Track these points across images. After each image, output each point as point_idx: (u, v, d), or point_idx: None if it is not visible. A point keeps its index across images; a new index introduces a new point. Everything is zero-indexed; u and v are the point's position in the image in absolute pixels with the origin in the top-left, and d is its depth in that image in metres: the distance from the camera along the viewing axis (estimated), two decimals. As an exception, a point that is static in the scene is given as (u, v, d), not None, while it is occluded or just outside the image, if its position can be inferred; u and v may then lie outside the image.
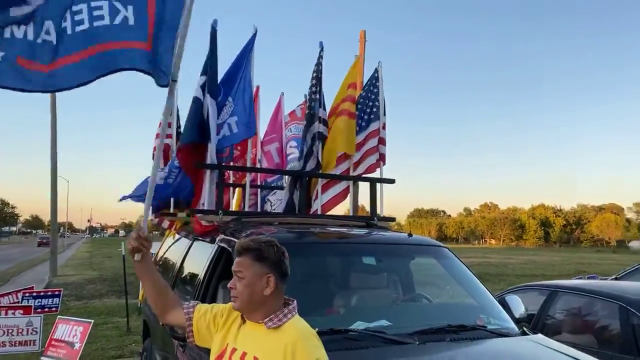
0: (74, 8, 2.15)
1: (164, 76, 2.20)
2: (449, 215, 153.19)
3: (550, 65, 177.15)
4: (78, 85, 2.15)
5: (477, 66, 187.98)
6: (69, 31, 2.14)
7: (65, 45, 2.14)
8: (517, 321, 3.19)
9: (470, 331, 2.83)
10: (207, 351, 2.73)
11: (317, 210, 4.64)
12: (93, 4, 2.16)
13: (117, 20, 2.18)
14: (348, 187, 4.88)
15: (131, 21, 2.18)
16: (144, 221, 2.36)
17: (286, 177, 4.73)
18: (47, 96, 18.47)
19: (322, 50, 4.92)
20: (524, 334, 3.01)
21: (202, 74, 4.33)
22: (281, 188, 5.52)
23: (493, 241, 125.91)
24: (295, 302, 1.94)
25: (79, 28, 2.15)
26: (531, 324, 4.39)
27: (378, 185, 4.71)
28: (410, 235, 3.64)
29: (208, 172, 4.12)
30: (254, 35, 4.75)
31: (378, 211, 4.62)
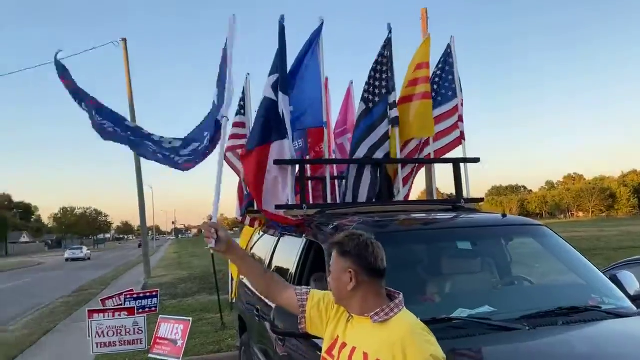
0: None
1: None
2: (530, 191, 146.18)
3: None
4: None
5: (553, 25, 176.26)
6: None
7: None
8: (633, 299, 2.95)
9: (584, 313, 2.63)
10: (308, 344, 2.75)
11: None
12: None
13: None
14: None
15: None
16: (213, 211, 2.58)
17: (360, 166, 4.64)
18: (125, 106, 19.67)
19: (390, 32, 4.78)
20: (643, 312, 2.76)
21: (271, 73, 4.34)
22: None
23: (581, 214, 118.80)
24: (401, 295, 1.88)
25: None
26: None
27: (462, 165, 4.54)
28: (504, 215, 3.46)
29: (289, 168, 4.14)
30: (321, 27, 4.70)
31: (464, 192, 4.45)
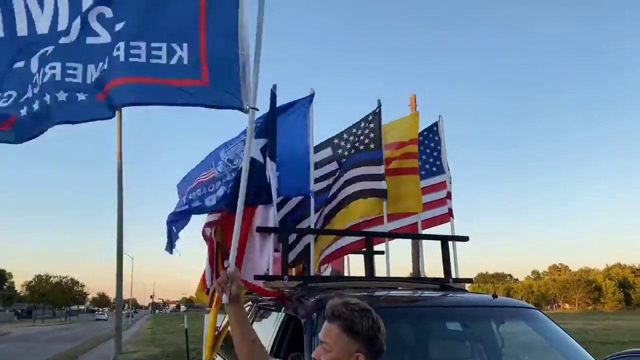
0: (133, 43, 2.32)
1: (236, 101, 2.26)
2: (516, 279, 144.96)
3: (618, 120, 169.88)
4: (129, 104, 2.38)
5: (541, 114, 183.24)
6: (121, 59, 2.31)
7: (116, 71, 2.31)
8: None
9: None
10: None
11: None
12: (153, 44, 2.33)
13: (174, 60, 2.31)
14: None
15: (185, 61, 2.31)
16: (231, 259, 2.34)
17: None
18: (115, 179, 19.42)
19: (379, 107, 4.82)
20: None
21: (259, 137, 4.32)
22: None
23: (567, 306, 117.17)
24: None
25: (133, 59, 2.31)
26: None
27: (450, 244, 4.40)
28: (495, 296, 3.29)
29: (272, 235, 3.98)
30: (311, 97, 4.75)
31: (452, 272, 4.29)
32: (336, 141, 4.84)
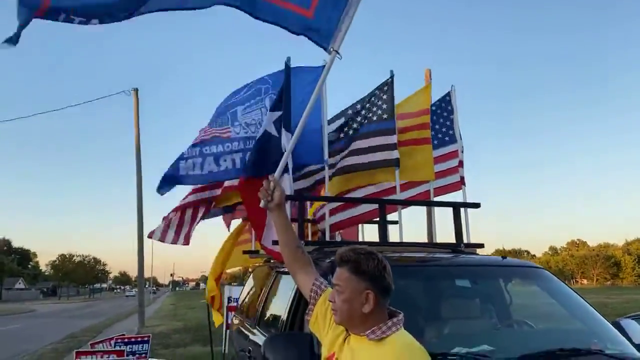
0: None
1: (324, 40, 2.36)
2: (534, 255, 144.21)
3: None
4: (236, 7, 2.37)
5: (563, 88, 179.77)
6: None
7: None
8: (637, 348, 2.84)
9: (586, 356, 2.54)
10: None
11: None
12: None
13: None
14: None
15: None
16: (279, 168, 2.53)
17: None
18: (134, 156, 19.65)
19: (392, 77, 4.88)
20: (649, 360, 2.65)
21: (274, 109, 4.42)
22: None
23: (585, 281, 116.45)
24: (402, 315, 1.81)
25: None
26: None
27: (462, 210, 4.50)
28: (504, 257, 3.41)
29: (288, 203, 4.13)
30: (322, 68, 4.83)
31: (464, 238, 4.40)
32: (350, 112, 4.93)
